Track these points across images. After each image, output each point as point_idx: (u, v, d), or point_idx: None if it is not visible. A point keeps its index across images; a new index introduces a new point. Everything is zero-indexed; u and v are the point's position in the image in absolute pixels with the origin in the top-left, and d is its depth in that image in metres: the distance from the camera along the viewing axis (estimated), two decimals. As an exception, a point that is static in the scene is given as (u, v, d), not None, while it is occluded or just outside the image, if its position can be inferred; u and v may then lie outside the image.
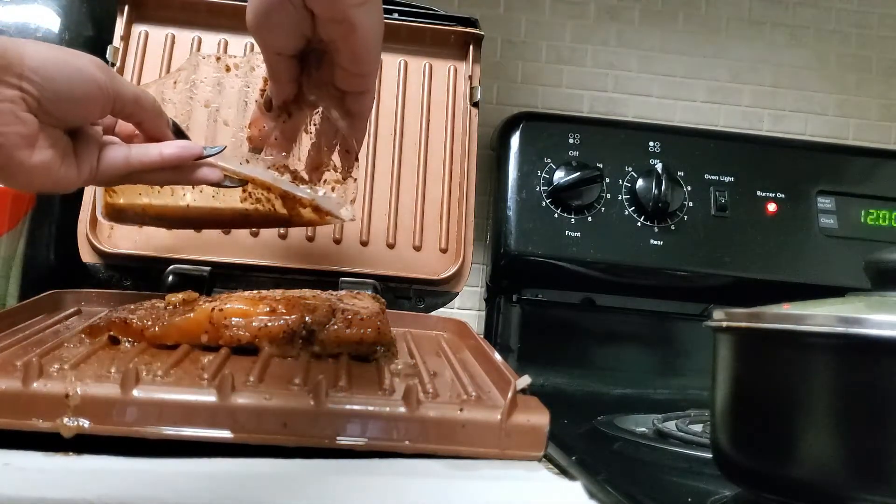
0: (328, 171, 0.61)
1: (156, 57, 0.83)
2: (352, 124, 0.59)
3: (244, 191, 0.63)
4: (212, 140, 0.70)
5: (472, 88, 0.86)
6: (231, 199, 0.65)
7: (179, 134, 0.57)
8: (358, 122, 0.59)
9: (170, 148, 0.54)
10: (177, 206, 0.66)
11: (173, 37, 0.84)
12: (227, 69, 0.68)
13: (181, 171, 0.55)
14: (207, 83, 0.69)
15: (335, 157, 0.61)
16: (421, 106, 0.86)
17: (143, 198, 0.66)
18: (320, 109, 0.59)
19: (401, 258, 0.81)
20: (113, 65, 0.80)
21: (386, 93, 0.86)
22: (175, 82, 0.68)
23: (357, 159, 0.61)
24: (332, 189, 0.61)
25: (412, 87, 0.86)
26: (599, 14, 1.06)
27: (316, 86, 0.57)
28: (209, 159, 0.56)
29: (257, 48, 0.55)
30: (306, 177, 0.60)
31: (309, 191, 0.60)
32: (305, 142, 0.61)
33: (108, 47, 0.80)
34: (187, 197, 0.66)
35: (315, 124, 0.60)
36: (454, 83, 0.87)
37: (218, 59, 0.68)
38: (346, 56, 0.53)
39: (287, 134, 0.59)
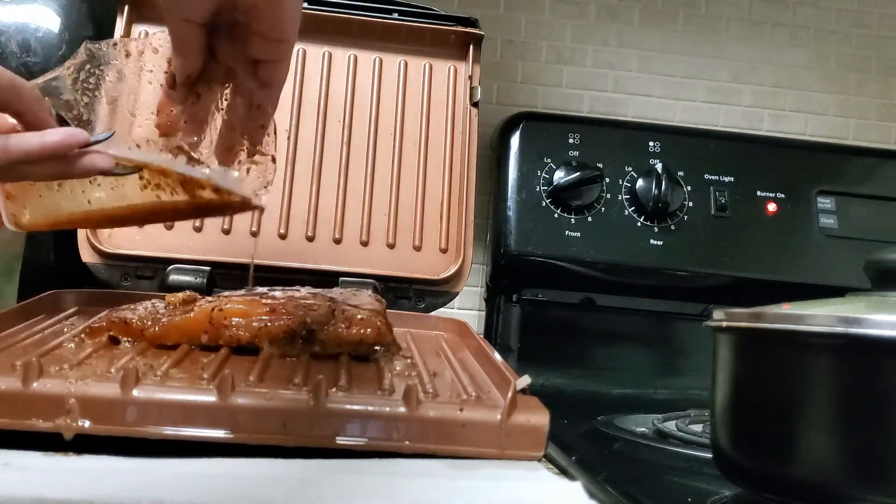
0: (242, 150, 0.57)
1: (156, 57, 0.83)
2: (266, 96, 0.54)
3: (141, 178, 0.58)
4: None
5: (472, 88, 0.86)
6: (132, 191, 0.60)
7: (64, 124, 0.52)
8: (273, 93, 0.55)
9: (52, 135, 0.49)
10: (80, 210, 0.61)
11: (173, 37, 0.84)
12: (127, 55, 0.63)
13: (67, 161, 0.50)
14: (108, 73, 0.62)
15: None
16: (421, 106, 0.86)
17: (44, 200, 0.61)
18: (229, 87, 0.55)
19: (401, 258, 0.81)
20: None
21: (386, 93, 0.86)
22: (74, 80, 0.64)
23: (275, 133, 0.58)
24: (248, 171, 0.59)
25: (412, 87, 0.86)
26: (599, 14, 1.06)
27: (227, 57, 0.53)
28: (97, 146, 0.51)
29: (157, 29, 0.50)
30: (201, 156, 0.56)
31: (207, 171, 0.56)
32: (219, 124, 0.57)
33: None
34: (88, 193, 0.61)
35: (226, 99, 0.56)
36: (454, 83, 0.87)
37: (115, 45, 0.63)
38: (268, 22, 0.50)
39: (197, 116, 0.55)
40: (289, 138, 0.83)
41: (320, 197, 0.82)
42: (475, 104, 0.86)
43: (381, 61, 0.86)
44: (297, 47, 0.85)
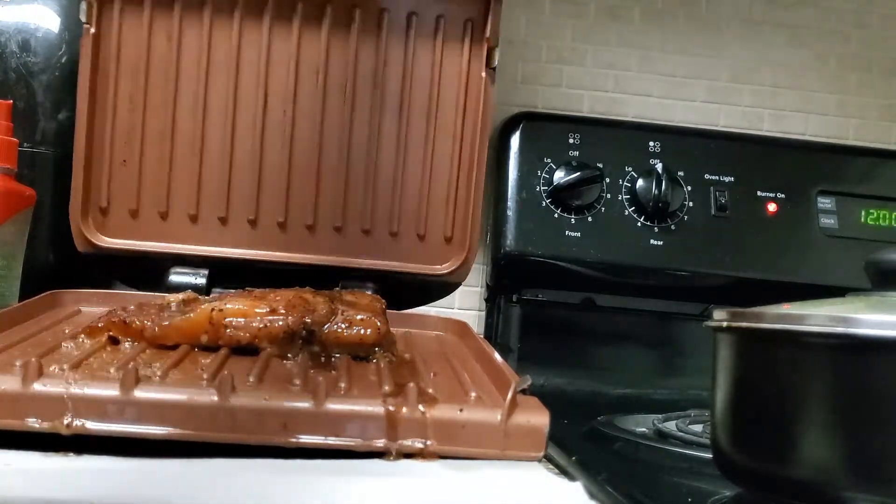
0: None
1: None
2: None
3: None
4: None
5: (490, 49, 0.76)
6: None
7: None
8: None
9: None
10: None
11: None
12: None
13: None
14: None
15: None
16: (431, 70, 0.77)
17: None
18: None
19: (404, 248, 0.78)
20: (87, 24, 0.74)
21: (393, 56, 0.77)
22: None
23: None
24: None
25: (421, 46, 0.77)
26: (599, 14, 1.06)
27: None
28: None
29: None
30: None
31: None
32: None
33: (82, 3, 0.74)
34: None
35: None
36: (470, 43, 0.77)
37: None
38: None
39: None
40: (285, 112, 0.77)
41: (321, 180, 0.77)
42: (493, 68, 0.76)
43: (385, 16, 0.77)
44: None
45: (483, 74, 0.77)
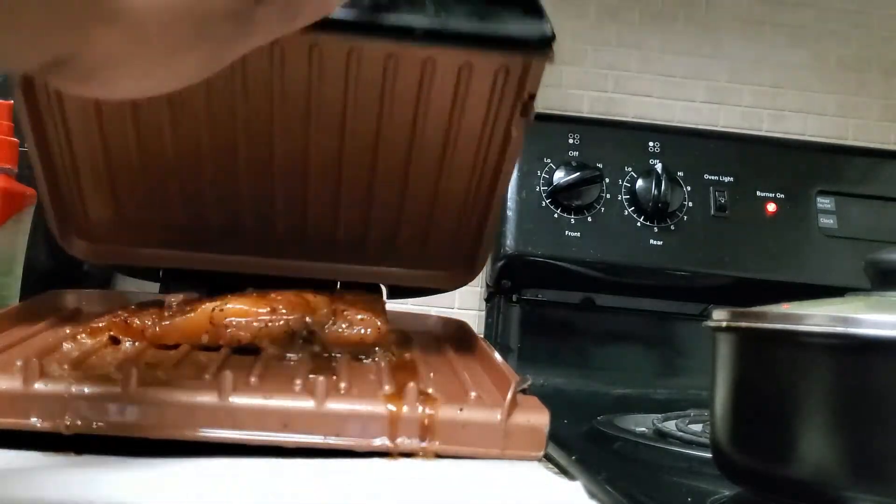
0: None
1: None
2: None
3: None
4: None
5: (528, 98, 0.59)
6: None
7: None
8: None
9: None
10: None
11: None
12: None
13: None
14: None
15: None
16: (448, 122, 0.62)
17: None
18: None
19: (404, 255, 0.73)
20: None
21: (400, 107, 0.61)
22: None
23: None
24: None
25: (436, 99, 0.60)
26: (599, 14, 1.06)
27: None
28: None
29: None
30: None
31: None
32: None
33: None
34: None
35: None
36: (500, 95, 0.60)
37: None
38: None
39: None
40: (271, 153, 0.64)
41: (311, 204, 0.69)
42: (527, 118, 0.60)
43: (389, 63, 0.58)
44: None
45: (514, 128, 0.61)
